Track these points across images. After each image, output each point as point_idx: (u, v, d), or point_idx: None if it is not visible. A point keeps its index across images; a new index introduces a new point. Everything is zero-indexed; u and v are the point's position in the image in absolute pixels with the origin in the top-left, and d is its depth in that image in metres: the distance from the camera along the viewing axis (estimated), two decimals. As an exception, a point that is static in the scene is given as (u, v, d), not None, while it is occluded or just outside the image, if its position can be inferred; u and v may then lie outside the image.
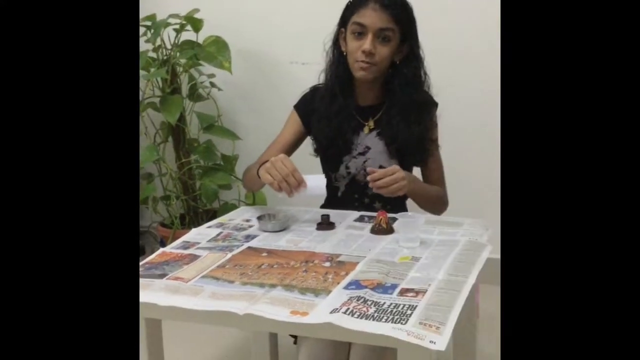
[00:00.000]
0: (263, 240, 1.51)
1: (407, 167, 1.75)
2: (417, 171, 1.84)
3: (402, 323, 1.04)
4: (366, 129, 1.79)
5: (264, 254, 1.41)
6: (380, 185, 1.58)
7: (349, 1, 1.74)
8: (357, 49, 1.69)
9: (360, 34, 1.68)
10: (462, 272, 1.26)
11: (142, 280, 1.24)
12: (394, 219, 1.58)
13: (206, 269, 1.32)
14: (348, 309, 1.09)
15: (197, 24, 2.63)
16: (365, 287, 1.19)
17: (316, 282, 1.23)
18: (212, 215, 2.68)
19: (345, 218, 1.66)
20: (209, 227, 1.65)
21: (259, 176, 1.63)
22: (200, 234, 1.58)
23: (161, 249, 1.47)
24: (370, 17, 1.67)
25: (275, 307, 1.12)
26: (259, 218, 1.62)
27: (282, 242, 1.49)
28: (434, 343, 0.99)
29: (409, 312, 1.08)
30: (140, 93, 2.70)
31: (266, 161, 1.60)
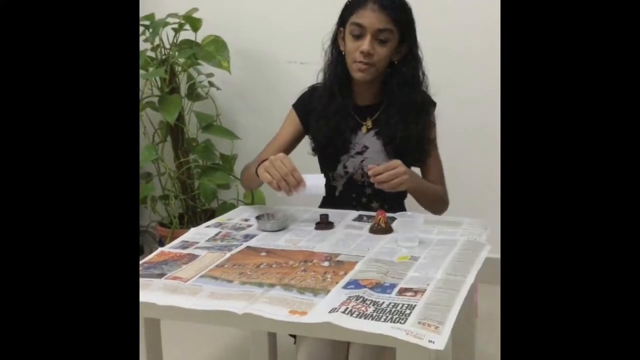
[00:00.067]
0: (262, 240, 1.51)
1: (405, 167, 1.75)
2: (416, 171, 1.84)
3: (401, 322, 1.04)
4: (364, 129, 1.79)
5: (263, 254, 1.41)
6: (381, 180, 1.58)
7: (348, 1, 1.74)
8: (355, 49, 1.69)
9: (359, 34, 1.68)
10: (461, 271, 1.26)
11: (140, 280, 1.24)
12: (393, 219, 1.58)
13: (205, 268, 1.32)
14: (347, 308, 1.09)
15: (195, 24, 2.63)
16: (364, 286, 1.19)
17: (315, 281, 1.23)
18: (211, 214, 2.68)
19: (344, 217, 1.66)
20: (208, 226, 1.65)
21: (257, 175, 1.63)
22: (199, 233, 1.58)
23: (160, 249, 1.47)
24: (369, 17, 1.66)
25: (274, 306, 1.12)
26: (258, 217, 1.62)
27: (281, 241, 1.49)
28: (433, 342, 0.99)
29: (407, 311, 1.08)
30: (139, 92, 2.70)
31: (265, 160, 1.60)
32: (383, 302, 1.12)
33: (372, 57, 1.68)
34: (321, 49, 1.81)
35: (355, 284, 1.21)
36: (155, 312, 1.20)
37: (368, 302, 1.12)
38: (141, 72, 2.58)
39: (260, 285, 1.22)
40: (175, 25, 2.64)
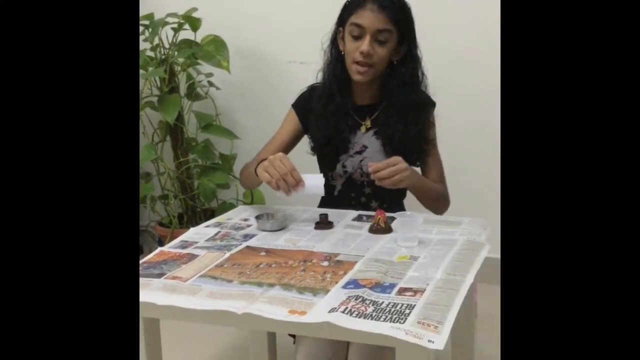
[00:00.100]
0: (261, 240, 1.50)
1: (404, 167, 1.74)
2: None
3: (400, 322, 1.04)
4: (363, 128, 1.79)
5: (262, 253, 1.41)
6: (382, 176, 1.57)
7: (347, 1, 1.74)
8: (354, 49, 1.69)
9: (358, 35, 1.68)
10: (461, 271, 1.26)
11: (140, 280, 1.24)
12: (393, 219, 1.58)
13: (204, 268, 1.32)
14: (346, 308, 1.09)
15: (195, 23, 2.63)
16: (364, 286, 1.19)
17: (314, 281, 1.23)
18: (210, 214, 2.68)
19: (343, 217, 1.66)
20: (207, 226, 1.65)
21: (256, 174, 1.63)
22: (199, 233, 1.58)
23: (159, 248, 1.47)
24: (368, 18, 1.66)
25: (273, 306, 1.12)
26: (257, 217, 1.62)
27: (280, 241, 1.49)
28: (432, 342, 0.99)
29: (407, 311, 1.08)
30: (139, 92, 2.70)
31: (264, 159, 1.60)
32: (382, 302, 1.12)
33: (372, 57, 1.68)
34: (320, 48, 1.81)
35: (354, 283, 1.21)
36: (155, 311, 1.20)
37: (367, 302, 1.12)
38: (140, 71, 2.58)
39: (260, 285, 1.22)
40: (175, 25, 2.64)
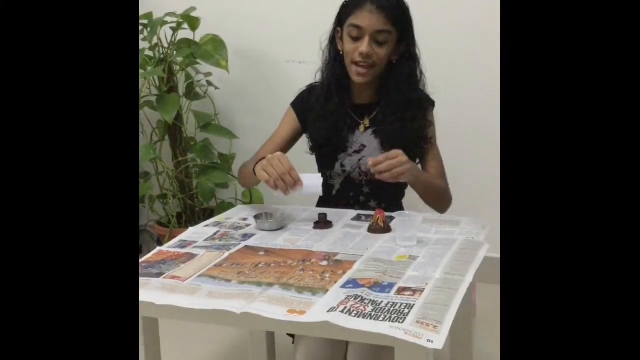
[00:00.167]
0: (260, 239, 1.50)
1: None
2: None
3: (399, 322, 1.04)
4: (362, 127, 1.79)
5: (261, 253, 1.41)
6: (381, 169, 1.55)
7: (345, 1, 1.74)
8: (354, 50, 1.69)
9: (357, 36, 1.68)
10: (460, 270, 1.26)
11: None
12: (392, 218, 1.58)
13: (203, 267, 1.32)
14: (345, 307, 1.09)
15: (194, 23, 2.63)
16: (363, 285, 1.19)
17: (313, 281, 1.23)
18: (209, 214, 2.68)
19: (342, 217, 1.66)
20: (206, 226, 1.64)
21: (255, 173, 1.63)
22: (197, 232, 1.58)
23: (158, 248, 1.47)
24: (367, 19, 1.66)
25: (272, 306, 1.12)
26: (256, 217, 1.61)
27: (279, 241, 1.49)
28: (431, 342, 0.99)
29: (406, 310, 1.08)
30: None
31: (263, 158, 1.60)
32: (381, 302, 1.12)
33: (371, 58, 1.68)
34: (319, 48, 1.81)
35: (353, 283, 1.21)
36: (154, 311, 1.20)
37: (366, 302, 1.12)
38: (139, 71, 2.58)
39: (259, 284, 1.22)
40: (174, 24, 2.64)
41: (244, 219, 1.68)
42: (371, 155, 1.76)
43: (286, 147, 1.84)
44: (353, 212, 1.70)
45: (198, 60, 2.66)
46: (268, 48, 2.83)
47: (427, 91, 1.81)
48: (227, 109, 2.91)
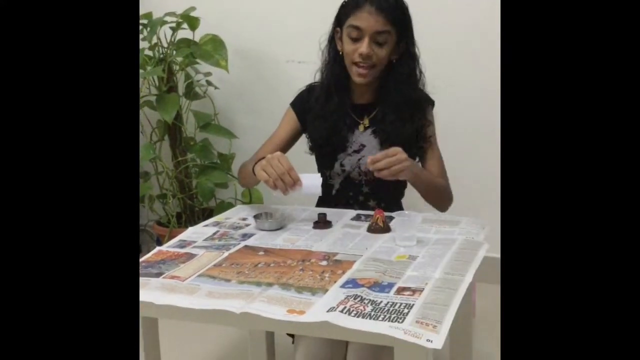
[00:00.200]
0: (260, 239, 1.50)
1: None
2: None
3: (398, 322, 1.04)
4: (361, 127, 1.79)
5: (261, 253, 1.41)
6: (380, 167, 1.54)
7: (344, 1, 1.74)
8: (353, 51, 1.69)
9: (357, 37, 1.68)
10: (459, 270, 1.26)
11: (138, 279, 1.24)
12: (391, 218, 1.58)
13: (203, 267, 1.32)
14: (345, 307, 1.09)
15: (193, 22, 2.63)
16: (362, 285, 1.19)
17: (313, 280, 1.23)
18: (209, 213, 2.68)
19: (342, 217, 1.66)
20: (206, 225, 1.64)
21: (254, 173, 1.63)
22: (197, 232, 1.58)
23: (157, 248, 1.47)
24: (367, 20, 1.66)
25: (271, 305, 1.12)
26: (256, 217, 1.61)
27: (278, 240, 1.49)
28: (431, 342, 0.99)
29: (405, 310, 1.08)
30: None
31: (262, 158, 1.60)
32: (381, 301, 1.12)
33: (372, 59, 1.68)
34: (319, 48, 1.81)
35: (353, 283, 1.21)
36: (153, 311, 1.20)
37: (366, 301, 1.12)
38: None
39: (258, 284, 1.22)
40: (173, 24, 2.64)
41: (244, 219, 1.68)
42: (370, 154, 1.75)
43: (286, 147, 1.84)
44: (352, 212, 1.70)
45: (198, 60, 2.66)
46: (268, 48, 2.83)
47: (426, 91, 1.81)
48: (226, 109, 2.91)
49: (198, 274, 1.28)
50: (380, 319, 1.06)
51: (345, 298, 1.13)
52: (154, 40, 2.63)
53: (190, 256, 1.39)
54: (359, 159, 1.77)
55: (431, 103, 1.82)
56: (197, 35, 2.67)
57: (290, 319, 1.08)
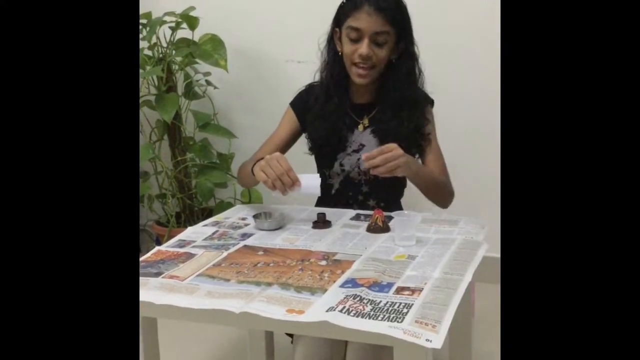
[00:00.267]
0: (259, 239, 1.50)
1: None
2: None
3: (398, 321, 1.04)
4: (361, 127, 1.79)
5: (260, 253, 1.41)
6: (375, 164, 1.52)
7: (343, 2, 1.74)
8: (353, 52, 1.69)
9: (356, 38, 1.67)
10: (458, 270, 1.26)
11: (137, 279, 1.24)
12: (390, 218, 1.58)
13: (202, 267, 1.32)
14: (344, 307, 1.09)
15: (192, 22, 2.63)
16: (362, 285, 1.19)
17: (312, 280, 1.23)
18: (208, 213, 2.68)
19: (341, 217, 1.66)
20: (205, 225, 1.64)
21: (253, 173, 1.63)
22: (196, 232, 1.58)
23: (157, 248, 1.47)
24: (366, 21, 1.66)
25: (271, 305, 1.12)
26: (255, 216, 1.61)
27: (278, 240, 1.49)
28: (430, 341, 0.99)
29: (405, 310, 1.08)
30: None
31: (261, 158, 1.60)
32: (380, 301, 1.12)
33: (371, 59, 1.68)
34: (318, 48, 1.81)
35: (352, 282, 1.21)
36: (153, 311, 1.20)
37: (365, 301, 1.12)
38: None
39: (258, 284, 1.21)
40: (173, 24, 2.64)
41: (243, 219, 1.68)
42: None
43: (285, 147, 1.84)
44: (352, 212, 1.70)
45: (197, 60, 2.66)
46: (267, 48, 2.83)
47: (426, 90, 1.81)
48: (226, 109, 2.91)
49: (197, 274, 1.28)
50: (379, 318, 1.06)
51: (344, 298, 1.13)
52: (154, 40, 2.63)
53: (190, 256, 1.39)
54: (359, 159, 1.76)
55: (430, 102, 1.82)
56: (197, 35, 2.67)
57: (289, 318, 1.08)
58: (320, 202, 1.83)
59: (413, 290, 1.17)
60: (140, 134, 2.76)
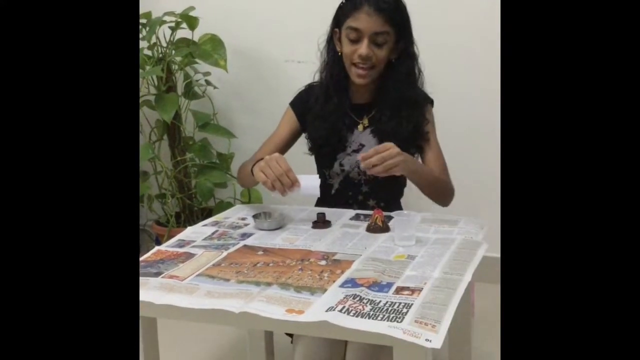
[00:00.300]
0: (259, 239, 1.50)
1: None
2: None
3: (397, 321, 1.04)
4: (360, 127, 1.79)
5: (260, 253, 1.41)
6: (372, 163, 1.52)
7: (342, 2, 1.74)
8: (353, 52, 1.69)
9: (356, 38, 1.67)
10: (458, 270, 1.26)
11: (137, 279, 1.24)
12: (390, 217, 1.58)
13: (202, 267, 1.32)
14: (344, 307, 1.09)
15: (192, 22, 2.63)
16: (361, 285, 1.19)
17: (312, 280, 1.23)
18: (208, 213, 2.68)
19: (341, 216, 1.66)
20: (205, 225, 1.64)
21: (253, 174, 1.63)
22: (196, 232, 1.58)
23: (156, 247, 1.47)
24: (365, 21, 1.65)
25: (270, 305, 1.12)
26: (255, 216, 1.61)
27: (277, 240, 1.49)
28: (430, 341, 0.99)
29: (404, 310, 1.08)
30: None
31: (261, 159, 1.60)
32: (380, 301, 1.12)
33: (371, 60, 1.68)
34: (317, 48, 1.81)
35: (352, 282, 1.21)
36: (152, 311, 1.20)
37: (365, 301, 1.12)
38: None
39: (257, 284, 1.21)
40: (172, 24, 2.64)
41: (243, 219, 1.68)
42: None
43: (285, 147, 1.84)
44: (351, 212, 1.70)
45: (197, 60, 2.66)
46: (267, 48, 2.83)
47: (426, 90, 1.81)
48: (225, 109, 2.91)
49: (197, 274, 1.28)
50: (379, 318, 1.06)
51: (344, 298, 1.13)
52: (153, 39, 2.63)
53: (189, 256, 1.39)
54: (358, 159, 1.76)
55: (430, 102, 1.82)
56: (196, 35, 2.67)
57: (289, 318, 1.08)
58: (320, 202, 1.83)
59: (413, 290, 1.17)
60: (140, 134, 2.76)
